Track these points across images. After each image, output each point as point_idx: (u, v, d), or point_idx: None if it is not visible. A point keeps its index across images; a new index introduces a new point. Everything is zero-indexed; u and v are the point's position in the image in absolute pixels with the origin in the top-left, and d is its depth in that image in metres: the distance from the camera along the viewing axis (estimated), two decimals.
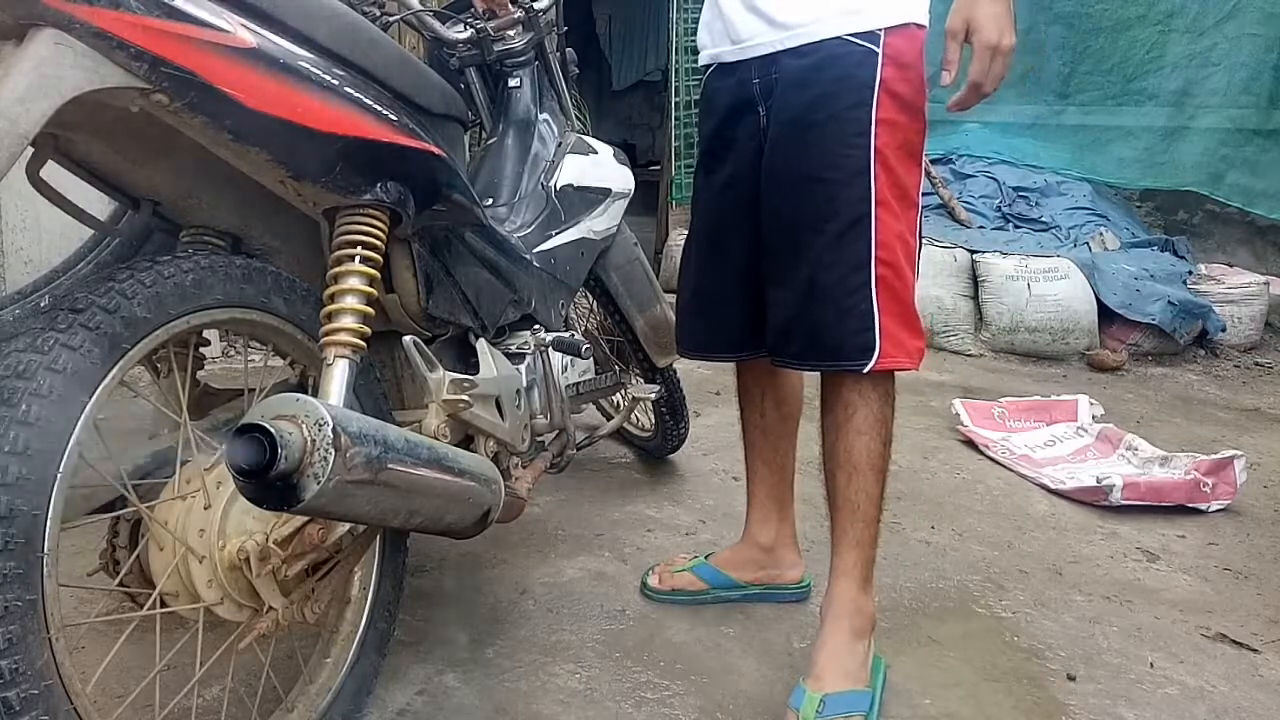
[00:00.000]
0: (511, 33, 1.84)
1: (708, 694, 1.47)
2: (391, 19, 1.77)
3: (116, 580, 1.10)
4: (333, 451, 0.87)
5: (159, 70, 0.88)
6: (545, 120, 1.90)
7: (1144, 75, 4.66)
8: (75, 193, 1.13)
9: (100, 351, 0.91)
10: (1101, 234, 4.41)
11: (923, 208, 1.46)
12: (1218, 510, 2.32)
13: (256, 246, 1.23)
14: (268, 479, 0.85)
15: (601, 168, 1.94)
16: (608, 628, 1.65)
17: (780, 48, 1.40)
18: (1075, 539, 2.15)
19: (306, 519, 1.06)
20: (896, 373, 1.41)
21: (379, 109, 1.11)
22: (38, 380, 0.86)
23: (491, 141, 1.89)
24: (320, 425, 0.88)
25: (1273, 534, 2.23)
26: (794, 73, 1.39)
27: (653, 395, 2.03)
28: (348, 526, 1.12)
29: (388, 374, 1.45)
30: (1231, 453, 2.35)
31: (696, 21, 1.64)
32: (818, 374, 1.46)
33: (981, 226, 4.50)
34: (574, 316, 2.04)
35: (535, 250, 1.69)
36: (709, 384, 3.06)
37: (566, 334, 1.69)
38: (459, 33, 1.83)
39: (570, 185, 1.83)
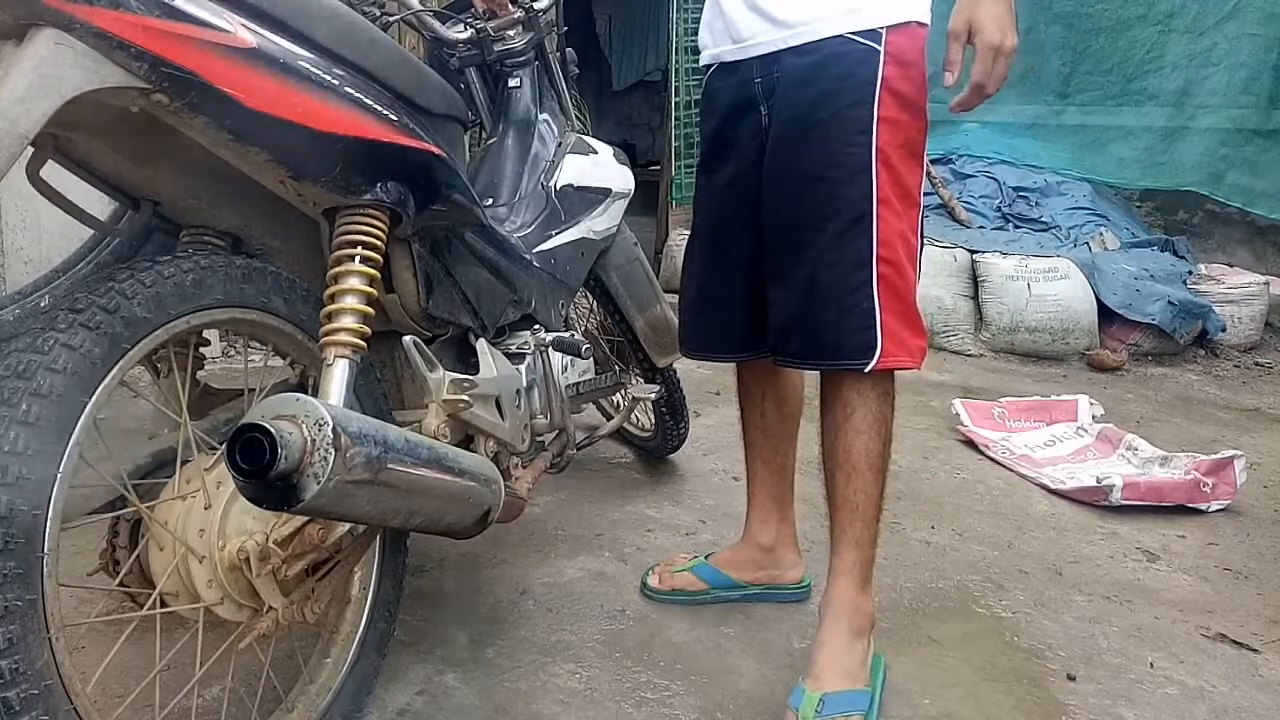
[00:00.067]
0: (511, 33, 1.84)
1: (708, 694, 1.47)
2: (391, 19, 1.77)
3: (116, 580, 1.10)
4: (333, 451, 0.87)
5: (159, 70, 0.88)
6: (545, 120, 1.90)
7: (1144, 75, 4.66)
8: (75, 193, 1.13)
9: (100, 351, 0.91)
10: (1101, 234, 4.41)
11: (924, 207, 1.46)
12: (1218, 510, 2.32)
13: (256, 246, 1.24)
14: (268, 479, 0.85)
15: (601, 168, 1.94)
16: (608, 628, 1.65)
17: (782, 46, 1.40)
18: (1075, 539, 2.15)
19: (306, 519, 1.06)
20: (897, 372, 1.41)
21: (379, 109, 1.11)
22: (38, 380, 0.86)
23: (491, 141, 1.89)
24: (320, 425, 0.88)
25: (1273, 534, 2.23)
26: (796, 71, 1.39)
27: (653, 395, 2.03)
28: (348, 526, 1.12)
29: (388, 374, 1.45)
30: (1231, 453, 2.35)
31: (696, 21, 1.64)
32: (818, 374, 1.46)
33: (981, 226, 4.50)
34: (574, 316, 2.04)
35: (535, 250, 1.69)
36: (709, 384, 3.06)
37: (566, 334, 1.69)
38: (459, 33, 1.83)
39: (570, 185, 1.83)
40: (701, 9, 1.58)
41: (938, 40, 1.35)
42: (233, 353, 2.93)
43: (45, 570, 0.85)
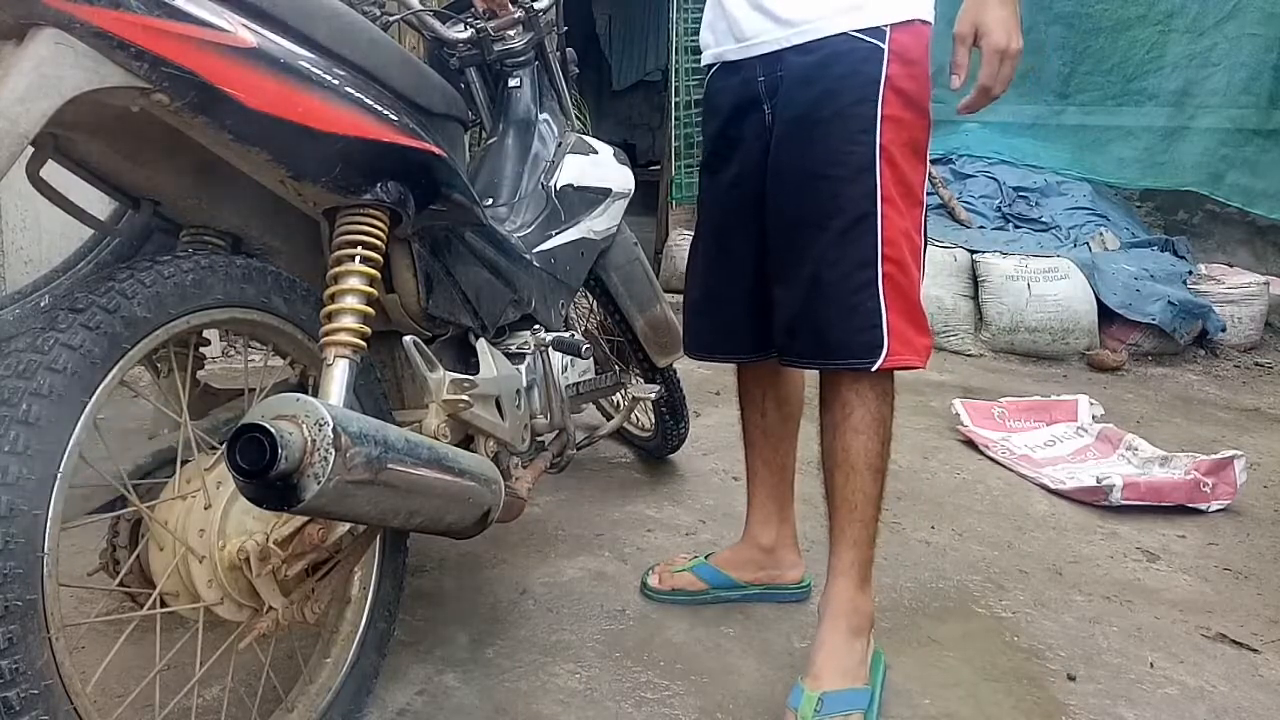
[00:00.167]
0: (511, 33, 1.84)
1: (708, 694, 1.47)
2: (391, 19, 1.77)
3: (116, 580, 1.10)
4: (333, 451, 0.87)
5: (159, 70, 0.88)
6: (545, 120, 1.90)
7: (1144, 75, 4.66)
8: (75, 193, 1.13)
9: (100, 351, 0.91)
10: (1101, 234, 4.41)
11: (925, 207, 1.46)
12: (1218, 510, 2.32)
13: (256, 246, 1.23)
14: (268, 479, 0.85)
15: (601, 168, 1.94)
16: (608, 628, 1.65)
17: (786, 45, 1.40)
18: (1075, 539, 2.15)
19: (306, 519, 1.06)
20: (897, 372, 1.41)
21: (379, 109, 1.11)
22: (38, 380, 0.86)
23: (491, 141, 1.89)
24: (320, 425, 0.88)
25: (1273, 534, 2.23)
26: (799, 70, 1.38)
27: (653, 395, 2.03)
28: (348, 526, 1.12)
29: (388, 374, 1.45)
30: (1231, 453, 2.35)
31: (697, 21, 1.64)
32: (817, 374, 1.46)
33: (981, 226, 4.50)
34: (574, 316, 2.04)
35: (535, 250, 1.69)
36: (709, 384, 3.06)
37: (566, 334, 1.69)
38: (459, 33, 1.83)
39: (570, 185, 1.83)
40: (702, 9, 1.58)
41: (938, 40, 1.36)
42: (233, 353, 2.93)
43: (45, 570, 0.85)
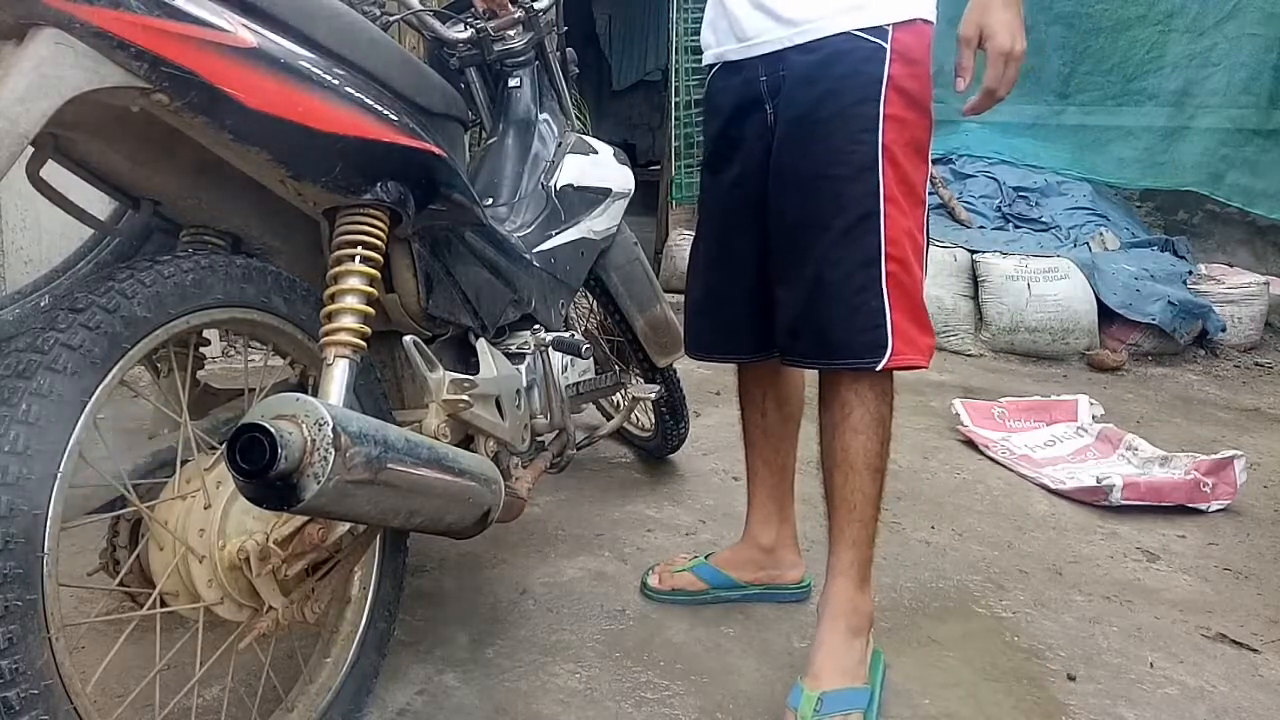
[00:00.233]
0: (511, 33, 1.84)
1: (708, 694, 1.47)
2: (391, 19, 1.77)
3: (116, 580, 1.10)
4: (333, 451, 0.87)
5: (159, 70, 0.88)
6: (545, 120, 1.90)
7: (1144, 75, 4.67)
8: (75, 193, 1.13)
9: (100, 351, 0.91)
10: (1101, 234, 4.41)
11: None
12: (1218, 510, 2.32)
13: (256, 246, 1.23)
14: (268, 479, 0.85)
15: (601, 168, 1.94)
16: (608, 628, 1.65)
17: (788, 44, 1.40)
18: (1075, 539, 2.15)
19: (306, 519, 1.06)
20: (898, 372, 1.40)
21: (379, 109, 1.11)
22: (38, 380, 0.86)
23: (491, 141, 1.89)
24: (320, 425, 0.88)
25: (1273, 534, 2.23)
26: (801, 69, 1.38)
27: (653, 395, 2.03)
28: (348, 526, 1.12)
29: (388, 374, 1.45)
30: (1231, 453, 2.35)
31: (697, 21, 1.64)
32: (817, 373, 1.46)
33: (981, 226, 4.51)
34: (574, 316, 2.04)
35: (535, 250, 1.69)
36: (709, 384, 3.06)
37: (566, 334, 1.69)
38: (459, 33, 1.83)
39: (570, 185, 1.83)
40: (702, 8, 1.58)
41: (940, 40, 1.36)
42: (233, 353, 2.93)
43: (45, 570, 0.85)
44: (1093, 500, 2.33)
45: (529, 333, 1.63)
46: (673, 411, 2.30)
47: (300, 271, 1.21)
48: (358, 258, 1.13)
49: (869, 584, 1.46)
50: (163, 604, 1.06)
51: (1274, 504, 2.42)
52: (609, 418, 2.18)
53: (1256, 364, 4.07)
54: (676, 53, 5.11)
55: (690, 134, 5.05)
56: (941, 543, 2.08)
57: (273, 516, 1.08)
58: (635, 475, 2.42)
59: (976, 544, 2.08)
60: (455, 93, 1.35)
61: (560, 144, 1.89)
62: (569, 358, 1.77)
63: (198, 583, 1.05)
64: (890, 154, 1.34)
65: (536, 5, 1.84)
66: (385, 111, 1.12)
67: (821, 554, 1.51)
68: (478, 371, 1.43)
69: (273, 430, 0.84)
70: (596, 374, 1.94)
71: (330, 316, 1.11)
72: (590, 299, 2.17)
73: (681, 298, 1.70)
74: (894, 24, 1.34)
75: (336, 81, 1.06)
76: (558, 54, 1.97)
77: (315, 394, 1.08)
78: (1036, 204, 4.62)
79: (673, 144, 5.19)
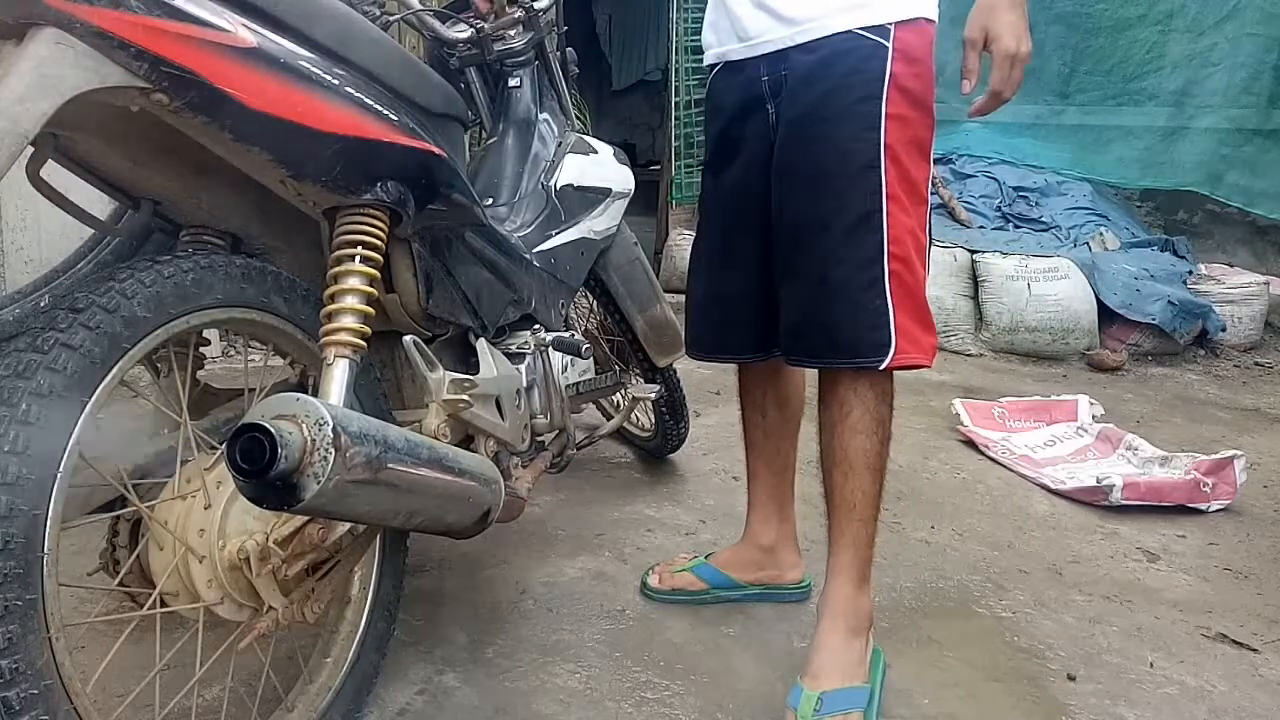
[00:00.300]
0: (511, 32, 1.84)
1: (708, 694, 1.47)
2: (391, 19, 1.77)
3: (116, 580, 1.10)
4: (333, 451, 0.87)
5: (159, 70, 0.88)
6: (545, 120, 1.90)
7: (1144, 75, 4.67)
8: (75, 193, 1.13)
9: (100, 351, 0.91)
10: (1101, 234, 4.41)
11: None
12: (1218, 510, 2.32)
13: (256, 246, 1.24)
14: (268, 479, 0.85)
15: (601, 167, 1.94)
16: (608, 628, 1.65)
17: (790, 44, 1.40)
18: (1075, 539, 2.15)
19: (306, 519, 1.06)
20: (898, 372, 1.40)
21: (379, 109, 1.11)
22: (38, 380, 0.86)
23: (491, 141, 1.89)
24: (320, 425, 0.88)
25: (1273, 534, 2.23)
26: (803, 68, 1.38)
27: (653, 395, 2.03)
28: (348, 526, 1.12)
29: (388, 374, 1.45)
30: (1231, 453, 2.35)
31: (697, 21, 1.64)
32: (817, 373, 1.46)
33: (981, 226, 4.51)
34: (574, 316, 2.04)
35: (535, 250, 1.69)
36: (709, 384, 3.06)
37: (566, 334, 1.69)
38: (459, 32, 1.83)
39: (570, 185, 1.83)
40: (702, 8, 1.58)
41: (941, 40, 1.36)
42: (233, 353, 2.93)
43: (45, 570, 0.85)
44: (1093, 500, 2.32)
45: (529, 333, 1.63)
46: (673, 411, 2.30)
47: (300, 271, 1.21)
48: (358, 258, 1.13)
49: (869, 584, 1.46)
50: (163, 604, 1.06)
51: (1274, 504, 2.42)
52: (609, 418, 2.18)
53: (1256, 364, 4.07)
54: (676, 53, 5.11)
55: (690, 134, 5.05)
56: (941, 543, 2.08)
57: (273, 516, 1.08)
58: (635, 475, 2.42)
59: (976, 544, 2.08)
60: (455, 93, 1.35)
61: (560, 144, 1.89)
62: (569, 358, 1.77)
63: (198, 583, 1.05)
64: (892, 153, 1.34)
65: (536, 5, 1.84)
66: (385, 111, 1.12)
67: (821, 554, 1.51)
68: (478, 371, 1.43)
69: (273, 430, 0.84)
70: (596, 374, 1.94)
71: (330, 316, 1.11)
72: (590, 299, 2.17)
73: (681, 298, 1.70)
74: (896, 23, 1.34)
75: (336, 81, 1.06)
76: (558, 54, 1.97)
77: (315, 394, 1.08)
78: (1036, 204, 4.63)
79: (673, 144, 5.19)
